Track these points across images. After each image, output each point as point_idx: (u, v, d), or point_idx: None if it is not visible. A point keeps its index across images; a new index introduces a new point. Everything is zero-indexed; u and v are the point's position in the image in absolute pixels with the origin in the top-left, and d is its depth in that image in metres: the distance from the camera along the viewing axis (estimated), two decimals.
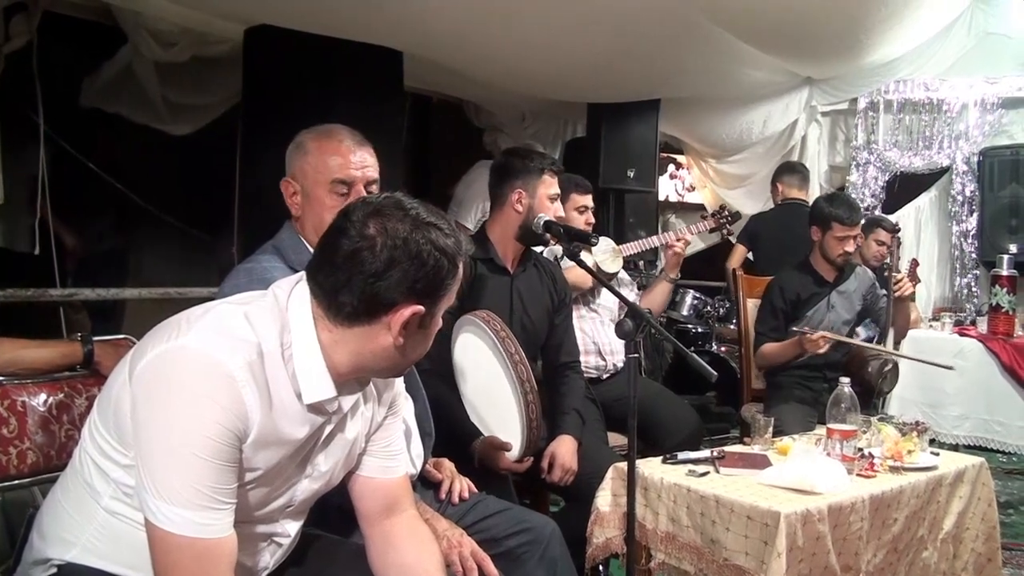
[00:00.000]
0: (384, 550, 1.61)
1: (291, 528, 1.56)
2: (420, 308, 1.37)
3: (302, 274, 1.43)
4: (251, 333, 1.35)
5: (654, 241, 3.95)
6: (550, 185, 2.82)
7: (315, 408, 1.42)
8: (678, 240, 3.64)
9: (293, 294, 1.41)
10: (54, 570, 1.46)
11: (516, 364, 2.37)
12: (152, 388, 1.30)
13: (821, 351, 3.40)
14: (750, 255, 5.11)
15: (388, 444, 1.66)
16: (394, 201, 1.39)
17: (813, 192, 5.76)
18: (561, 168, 2.93)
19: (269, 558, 1.55)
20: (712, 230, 4.07)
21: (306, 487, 1.52)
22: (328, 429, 1.49)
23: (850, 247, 3.59)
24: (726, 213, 4.10)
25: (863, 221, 3.63)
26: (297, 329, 1.38)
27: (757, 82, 5.44)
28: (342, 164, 1.94)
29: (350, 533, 1.75)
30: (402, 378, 2.08)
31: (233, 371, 1.30)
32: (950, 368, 3.72)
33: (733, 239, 4.87)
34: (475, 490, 2.22)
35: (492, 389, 2.45)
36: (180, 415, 1.27)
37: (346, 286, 1.35)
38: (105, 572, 1.44)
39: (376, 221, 1.34)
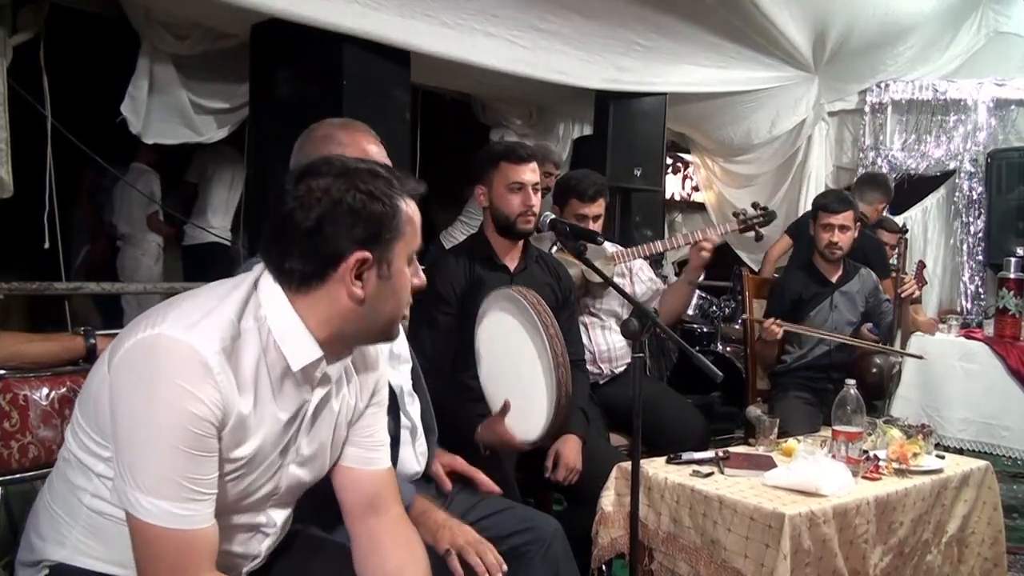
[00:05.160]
0: (367, 553, 1.60)
1: (277, 517, 1.55)
2: (365, 255, 1.36)
3: None
4: (225, 316, 1.34)
5: (657, 247, 3.57)
6: (508, 172, 2.70)
7: (302, 377, 1.41)
8: (704, 240, 3.27)
9: (264, 274, 1.41)
10: (46, 571, 1.45)
11: (551, 338, 2.20)
12: (127, 378, 1.29)
13: (777, 336, 3.44)
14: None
15: (371, 434, 1.64)
16: (322, 159, 1.41)
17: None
18: (530, 155, 2.75)
19: (258, 546, 1.54)
20: (742, 230, 3.59)
21: (291, 473, 1.51)
22: (311, 410, 1.48)
23: (835, 237, 3.56)
24: (758, 213, 3.55)
25: (851, 212, 3.59)
26: (269, 305, 1.38)
27: (764, 78, 5.43)
28: (379, 152, 2.01)
29: (333, 527, 1.74)
30: (405, 374, 2.09)
31: (207, 358, 1.28)
32: (920, 357, 3.83)
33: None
34: (485, 478, 2.21)
35: (521, 369, 2.30)
36: (155, 405, 1.26)
37: (288, 252, 1.36)
38: (96, 572, 1.43)
39: (304, 181, 1.35)
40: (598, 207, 3.32)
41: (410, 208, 1.41)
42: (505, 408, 2.32)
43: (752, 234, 3.59)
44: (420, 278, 1.47)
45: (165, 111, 3.94)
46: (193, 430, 1.27)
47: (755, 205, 3.61)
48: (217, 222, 5.60)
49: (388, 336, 1.53)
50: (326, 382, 1.48)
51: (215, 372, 1.29)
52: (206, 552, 1.32)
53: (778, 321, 3.43)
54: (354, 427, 1.62)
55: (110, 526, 1.41)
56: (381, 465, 1.65)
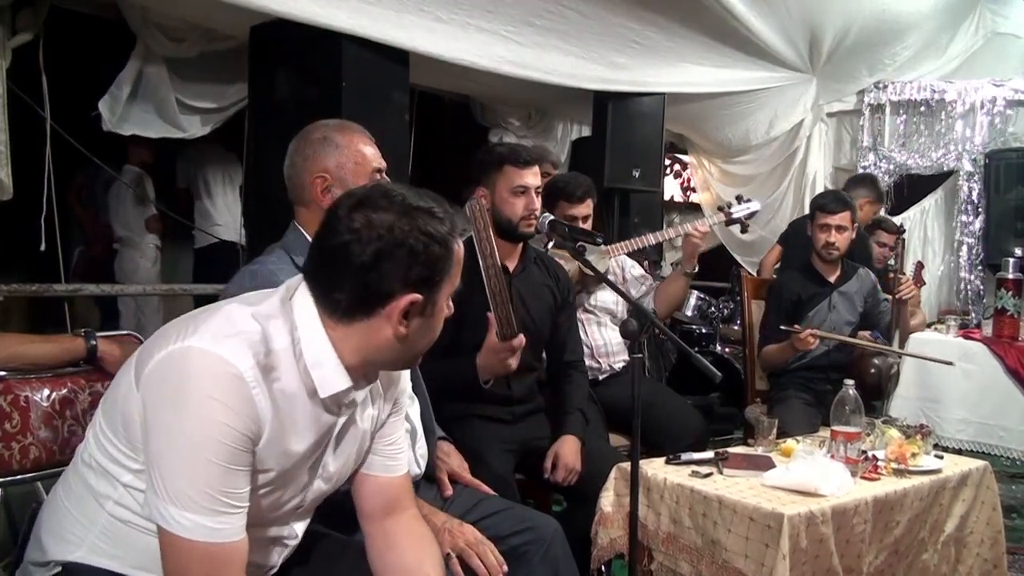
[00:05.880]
0: (384, 550, 1.61)
1: (299, 529, 1.56)
2: (417, 297, 1.35)
3: None
4: (260, 333, 1.33)
5: (649, 239, 3.61)
6: (512, 176, 2.68)
7: (330, 402, 1.41)
8: (695, 231, 3.39)
9: (298, 292, 1.40)
10: (58, 569, 1.45)
11: (481, 240, 2.31)
12: (160, 391, 1.28)
13: (812, 347, 3.43)
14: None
15: (392, 442, 1.65)
16: (380, 190, 1.38)
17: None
18: (533, 158, 2.75)
19: (276, 558, 1.55)
20: (728, 223, 3.70)
21: (317, 488, 1.52)
22: (337, 429, 1.48)
23: (832, 238, 3.57)
24: (742, 207, 3.68)
25: (848, 213, 3.59)
26: (304, 326, 1.36)
27: (762, 78, 5.44)
28: (375, 153, 2.01)
29: (353, 531, 1.75)
30: (409, 374, 2.10)
31: (243, 372, 1.28)
32: (950, 363, 3.71)
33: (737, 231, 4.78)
34: (488, 490, 2.22)
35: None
36: (189, 418, 1.26)
37: (338, 282, 1.34)
38: (112, 572, 1.43)
39: (361, 213, 1.32)
40: (586, 208, 3.32)
41: (460, 249, 1.41)
42: (490, 323, 2.40)
43: (738, 227, 3.70)
44: (450, 308, 1.46)
45: (147, 108, 3.95)
46: (228, 443, 1.27)
47: (739, 198, 3.67)
48: (223, 219, 5.61)
49: (413, 364, 1.54)
50: (352, 406, 1.48)
51: (250, 385, 1.28)
52: (237, 564, 1.32)
53: (814, 331, 3.40)
54: (376, 435, 1.62)
55: (132, 533, 1.40)
56: (401, 471, 1.67)
